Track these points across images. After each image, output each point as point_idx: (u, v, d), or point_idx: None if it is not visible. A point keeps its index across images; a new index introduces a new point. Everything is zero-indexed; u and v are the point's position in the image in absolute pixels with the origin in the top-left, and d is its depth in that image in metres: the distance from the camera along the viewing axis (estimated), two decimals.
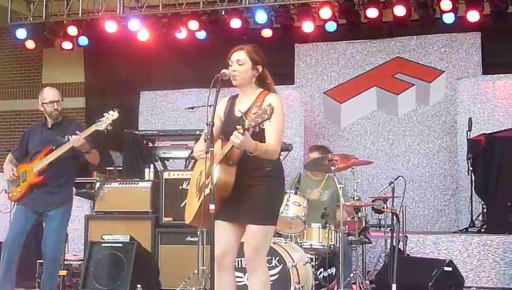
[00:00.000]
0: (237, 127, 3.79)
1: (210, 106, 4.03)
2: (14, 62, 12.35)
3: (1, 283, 5.65)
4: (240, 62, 4.17)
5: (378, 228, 7.32)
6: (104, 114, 5.59)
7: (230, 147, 3.88)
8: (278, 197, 4.31)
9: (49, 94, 5.90)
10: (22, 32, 10.43)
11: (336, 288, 6.24)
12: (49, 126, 5.92)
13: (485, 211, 8.09)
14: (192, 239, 6.90)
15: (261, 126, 3.82)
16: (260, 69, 4.22)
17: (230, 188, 3.99)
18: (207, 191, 3.92)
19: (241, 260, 5.02)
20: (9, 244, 5.69)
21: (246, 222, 4.08)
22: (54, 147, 5.70)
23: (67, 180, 5.89)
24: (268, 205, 4.14)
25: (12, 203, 5.94)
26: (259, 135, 3.97)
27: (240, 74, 4.16)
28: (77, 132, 5.60)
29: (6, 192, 5.96)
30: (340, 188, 6.16)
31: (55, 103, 5.84)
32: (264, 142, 3.99)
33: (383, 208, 6.51)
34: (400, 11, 9.19)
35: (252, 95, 4.21)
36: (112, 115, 5.57)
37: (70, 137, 5.59)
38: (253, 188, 4.06)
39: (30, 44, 10.61)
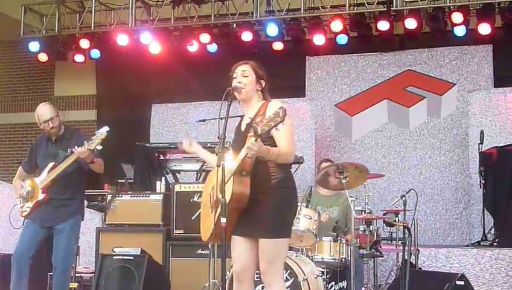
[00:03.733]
0: (249, 135, 3.79)
1: (221, 118, 4.02)
2: (26, 75, 12.46)
3: None
4: (244, 73, 4.19)
5: (389, 241, 7.26)
6: (96, 132, 5.48)
7: (244, 155, 3.86)
8: (289, 207, 4.15)
9: (41, 114, 5.81)
10: (35, 45, 10.53)
11: None
12: (53, 140, 5.91)
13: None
14: (203, 252, 6.88)
15: (275, 129, 3.74)
16: (263, 84, 4.25)
17: (246, 199, 3.94)
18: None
19: None
20: (18, 256, 5.71)
21: (257, 236, 4.03)
22: (57, 163, 5.68)
23: (74, 193, 5.89)
24: (278, 217, 4.03)
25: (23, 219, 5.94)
26: (269, 144, 3.97)
27: (245, 86, 4.16)
28: (85, 142, 5.50)
29: (19, 205, 5.96)
30: (351, 201, 6.14)
31: (49, 122, 5.77)
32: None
33: (395, 221, 6.48)
34: (411, 23, 9.19)
35: (256, 108, 4.20)
36: (101, 134, 5.43)
37: (74, 149, 5.50)
38: (262, 201, 4.00)
39: (43, 57, 10.71)
